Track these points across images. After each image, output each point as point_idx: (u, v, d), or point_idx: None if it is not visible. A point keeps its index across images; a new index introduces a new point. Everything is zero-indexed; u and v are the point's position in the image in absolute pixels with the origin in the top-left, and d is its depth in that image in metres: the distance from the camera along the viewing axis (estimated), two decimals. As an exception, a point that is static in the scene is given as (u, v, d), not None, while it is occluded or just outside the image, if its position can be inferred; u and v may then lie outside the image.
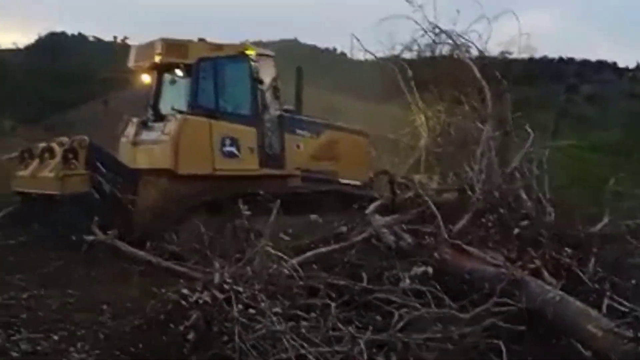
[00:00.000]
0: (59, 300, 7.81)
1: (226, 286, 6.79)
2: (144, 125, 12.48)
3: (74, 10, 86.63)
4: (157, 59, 11.94)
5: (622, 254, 8.86)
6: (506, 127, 11.21)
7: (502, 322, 6.69)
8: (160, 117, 12.52)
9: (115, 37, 55.62)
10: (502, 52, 12.44)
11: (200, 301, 6.62)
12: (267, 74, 12.60)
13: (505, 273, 7.35)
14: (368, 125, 14.89)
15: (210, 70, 12.13)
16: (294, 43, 70.56)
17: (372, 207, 10.03)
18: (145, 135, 12.32)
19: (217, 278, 7.00)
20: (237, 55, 12.43)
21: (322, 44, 69.89)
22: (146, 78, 12.80)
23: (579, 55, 62.60)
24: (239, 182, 11.86)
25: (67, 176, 10.61)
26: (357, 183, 13.19)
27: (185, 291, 6.86)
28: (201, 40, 12.29)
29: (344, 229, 9.68)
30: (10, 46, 51.44)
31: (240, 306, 6.54)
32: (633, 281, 8.00)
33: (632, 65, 59.37)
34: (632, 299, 7.31)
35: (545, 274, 7.79)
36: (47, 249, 9.73)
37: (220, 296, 6.64)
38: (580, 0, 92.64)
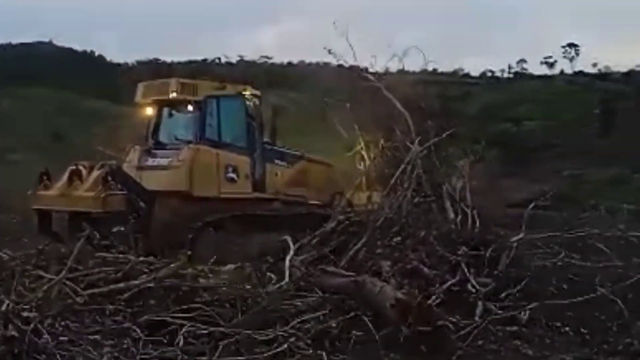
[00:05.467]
0: None
1: (25, 314, 6.45)
2: (147, 152, 13.87)
3: None
4: (172, 95, 13.56)
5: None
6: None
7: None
8: (160, 146, 14.08)
9: None
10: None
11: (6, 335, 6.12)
12: (257, 110, 14.72)
13: (351, 280, 9.00)
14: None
15: (214, 107, 13.96)
16: (49, 46, 68.10)
17: (292, 250, 10.70)
18: (150, 161, 13.72)
19: (4, 306, 6.49)
20: (236, 94, 14.44)
21: (78, 47, 68.00)
22: (149, 111, 14.28)
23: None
24: (236, 203, 13.82)
25: (108, 196, 12.00)
26: (320, 203, 15.55)
27: None
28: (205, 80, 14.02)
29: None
30: None
31: (46, 336, 6.30)
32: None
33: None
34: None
35: (425, 269, 9.78)
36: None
37: (27, 328, 6.23)
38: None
